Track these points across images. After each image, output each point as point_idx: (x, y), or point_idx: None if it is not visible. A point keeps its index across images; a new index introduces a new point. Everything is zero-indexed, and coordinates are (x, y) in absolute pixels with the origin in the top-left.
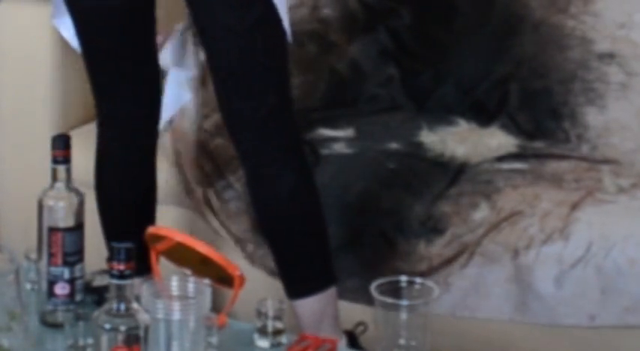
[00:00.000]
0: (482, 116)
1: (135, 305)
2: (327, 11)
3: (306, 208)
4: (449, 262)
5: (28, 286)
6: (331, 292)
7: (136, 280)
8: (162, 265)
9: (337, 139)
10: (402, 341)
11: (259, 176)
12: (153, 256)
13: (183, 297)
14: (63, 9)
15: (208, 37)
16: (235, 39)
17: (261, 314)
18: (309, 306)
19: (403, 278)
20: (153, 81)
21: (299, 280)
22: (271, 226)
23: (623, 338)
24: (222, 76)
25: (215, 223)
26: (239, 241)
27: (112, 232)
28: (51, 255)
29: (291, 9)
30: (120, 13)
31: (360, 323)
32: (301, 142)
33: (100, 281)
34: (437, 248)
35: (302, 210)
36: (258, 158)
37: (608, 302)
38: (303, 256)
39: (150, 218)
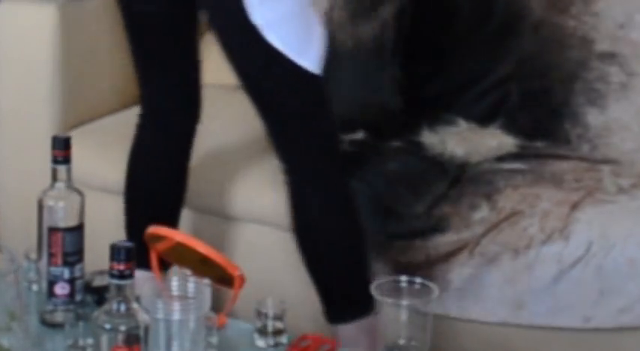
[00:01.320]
0: (483, 116)
1: (135, 305)
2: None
3: (334, 236)
4: (448, 262)
5: (34, 287)
6: (366, 321)
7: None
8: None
9: None
10: (402, 341)
11: (292, 197)
12: (153, 256)
13: (183, 297)
14: None
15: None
16: (250, 83)
17: (261, 314)
18: (346, 332)
19: (403, 278)
20: (193, 79)
21: (332, 306)
22: (303, 248)
23: (617, 339)
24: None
25: None
26: None
27: (133, 222)
28: (51, 255)
29: None
30: (165, 20)
31: None
32: (333, 168)
33: (100, 281)
34: (436, 248)
35: (330, 237)
36: (290, 180)
37: (604, 304)
38: (330, 284)
39: (174, 213)
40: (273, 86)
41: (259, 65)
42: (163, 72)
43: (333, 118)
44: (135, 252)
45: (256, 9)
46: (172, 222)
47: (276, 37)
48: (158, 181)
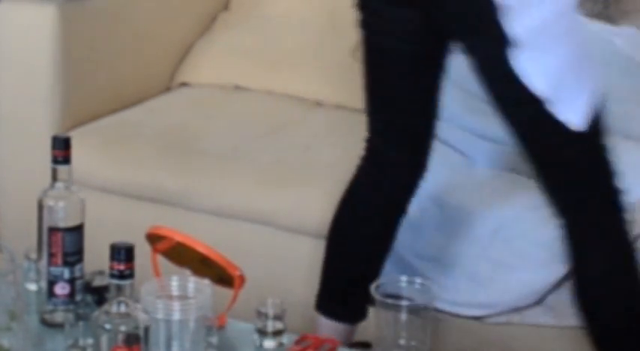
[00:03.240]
0: None
1: (135, 305)
2: None
3: (614, 294)
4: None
5: (34, 287)
6: None
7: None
8: (162, 265)
9: None
10: (402, 341)
11: (572, 253)
12: (153, 256)
13: (183, 297)
14: None
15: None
16: (518, 133)
17: (261, 314)
18: None
19: (403, 278)
20: (428, 126)
21: None
22: (581, 304)
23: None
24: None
25: None
26: None
27: (331, 266)
28: (51, 255)
29: None
30: (411, 59)
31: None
32: (615, 222)
33: (100, 281)
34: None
35: (610, 295)
36: (568, 235)
37: None
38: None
39: (375, 266)
40: (539, 138)
41: (525, 115)
42: (398, 115)
43: (610, 168)
44: (134, 252)
45: (521, 57)
46: (373, 273)
47: (539, 88)
48: (365, 231)
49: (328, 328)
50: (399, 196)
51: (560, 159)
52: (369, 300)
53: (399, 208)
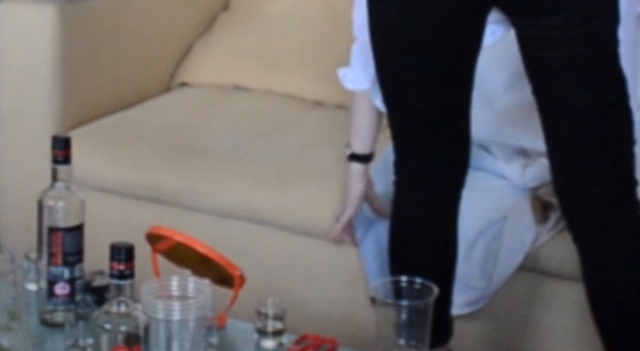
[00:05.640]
0: None
1: (135, 305)
2: None
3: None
4: None
5: (34, 287)
6: None
7: None
8: (162, 265)
9: None
10: (402, 341)
11: (597, 265)
12: (153, 256)
13: (183, 297)
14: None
15: (555, 119)
16: (587, 123)
17: (261, 314)
18: None
19: (403, 278)
20: (462, 143)
21: None
22: (607, 318)
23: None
24: (563, 159)
25: None
26: None
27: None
28: (51, 255)
29: None
30: (439, 73)
31: None
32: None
33: (100, 281)
34: None
35: (630, 297)
36: (596, 246)
37: None
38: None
39: (448, 286)
40: (609, 128)
41: (607, 99)
42: (428, 134)
43: None
44: (134, 252)
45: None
46: (446, 295)
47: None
48: (429, 257)
49: None
50: (450, 212)
51: (600, 158)
52: (449, 319)
53: (453, 223)
